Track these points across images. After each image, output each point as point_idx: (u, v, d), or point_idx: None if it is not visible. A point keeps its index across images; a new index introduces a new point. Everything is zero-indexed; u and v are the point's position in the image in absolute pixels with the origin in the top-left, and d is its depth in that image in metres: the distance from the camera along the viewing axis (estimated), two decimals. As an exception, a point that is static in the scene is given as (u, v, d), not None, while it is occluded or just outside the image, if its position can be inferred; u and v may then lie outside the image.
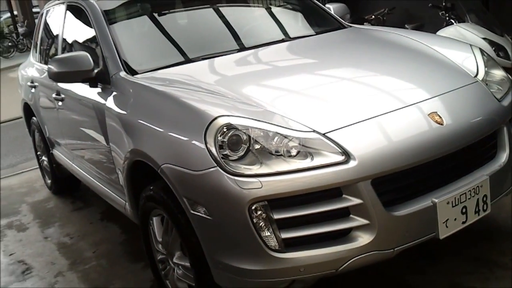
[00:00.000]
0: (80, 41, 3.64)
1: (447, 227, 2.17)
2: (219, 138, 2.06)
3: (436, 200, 2.12)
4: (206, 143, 2.06)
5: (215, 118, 2.10)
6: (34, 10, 22.52)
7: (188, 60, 3.05)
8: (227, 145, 2.05)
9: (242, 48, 3.21)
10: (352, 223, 2.03)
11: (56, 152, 4.46)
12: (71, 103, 3.54)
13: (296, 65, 2.97)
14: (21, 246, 4.03)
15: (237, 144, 2.06)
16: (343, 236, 2.05)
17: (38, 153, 5.22)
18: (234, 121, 2.10)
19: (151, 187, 2.52)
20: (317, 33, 3.48)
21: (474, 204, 2.24)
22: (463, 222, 2.22)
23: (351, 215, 2.03)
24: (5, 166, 6.45)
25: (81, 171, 3.83)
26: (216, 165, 2.03)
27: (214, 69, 2.98)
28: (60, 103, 3.72)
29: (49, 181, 5.08)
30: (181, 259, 2.50)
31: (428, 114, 2.22)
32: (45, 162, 4.98)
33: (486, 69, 2.68)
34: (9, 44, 21.27)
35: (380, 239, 2.04)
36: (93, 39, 3.29)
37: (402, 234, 2.10)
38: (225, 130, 2.07)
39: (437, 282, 2.65)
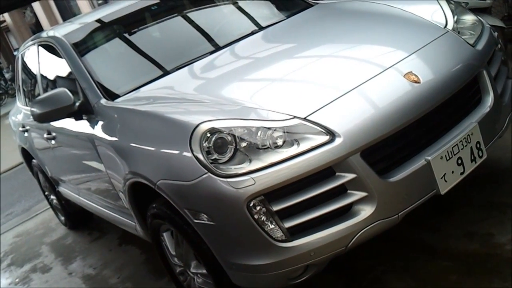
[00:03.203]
0: (58, 76, 3.67)
1: (446, 181, 2.18)
2: (204, 144, 2.08)
3: (429, 158, 2.13)
4: (192, 152, 2.09)
5: (197, 126, 2.12)
6: (16, 53, 22.61)
7: (166, 73, 3.06)
8: (213, 149, 2.07)
9: (217, 48, 3.22)
10: (351, 198, 2.04)
11: (62, 189, 4.51)
12: (63, 139, 3.58)
13: (271, 54, 2.96)
14: (48, 287, 4.09)
15: (223, 146, 2.08)
16: (345, 212, 2.07)
17: (46, 193, 5.28)
18: (216, 124, 2.11)
19: (154, 205, 2.55)
20: (287, 17, 3.48)
21: (469, 153, 2.25)
22: (461, 173, 2.23)
23: (348, 191, 2.05)
24: (20, 212, 6.53)
25: (90, 203, 3.87)
26: (206, 171, 2.05)
27: (192, 76, 2.99)
28: (53, 141, 3.76)
29: (62, 218, 5.14)
30: (198, 268, 2.54)
31: (404, 75, 2.22)
32: (55, 201, 5.03)
33: (455, 17, 2.67)
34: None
35: (382, 207, 2.06)
36: (69, 72, 3.32)
37: (402, 198, 2.12)
38: (208, 135, 2.09)
39: (453, 235, 2.66)
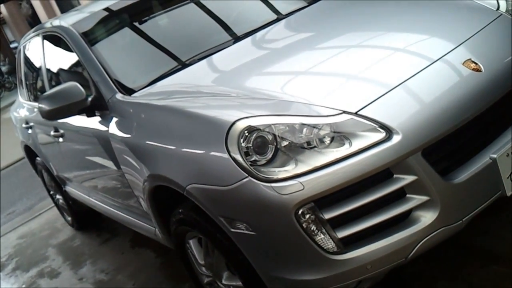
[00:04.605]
0: (65, 69, 3.41)
1: (512, 181, 1.95)
2: (242, 144, 1.84)
3: (495, 156, 1.89)
4: (229, 153, 1.84)
5: (234, 123, 1.88)
6: (12, 45, 22.26)
7: (183, 65, 2.82)
8: (253, 150, 1.83)
9: (236, 38, 2.97)
10: (411, 204, 1.80)
11: (69, 188, 4.27)
12: (73, 137, 3.33)
13: (299, 43, 2.70)
14: (58, 293, 3.86)
15: (263, 146, 1.84)
16: (403, 220, 1.83)
17: (51, 192, 5.03)
18: (253, 122, 1.87)
19: (180, 210, 2.32)
20: (309, 4, 3.22)
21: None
22: (528, 172, 2.00)
23: (407, 195, 1.81)
24: (22, 210, 6.29)
25: (101, 204, 3.63)
26: (246, 175, 1.81)
27: (215, 68, 2.74)
28: (60, 139, 3.51)
29: (69, 218, 4.90)
30: (231, 279, 2.31)
31: (463, 64, 1.98)
32: (61, 201, 4.79)
33: (508, -2, 2.43)
34: (-4, 86, 21.08)
35: (446, 213, 1.82)
36: (78, 65, 3.07)
37: (467, 201, 1.89)
38: (246, 134, 1.84)
39: (505, 238, 2.43)
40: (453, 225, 1.85)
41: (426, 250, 1.85)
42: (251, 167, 1.80)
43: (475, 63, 1.98)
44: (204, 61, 2.76)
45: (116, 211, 3.36)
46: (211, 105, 2.16)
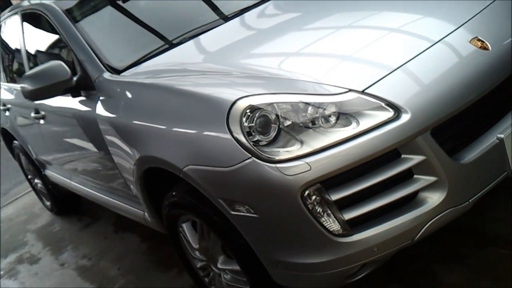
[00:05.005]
0: (47, 49, 3.26)
1: (517, 162, 1.91)
2: (245, 124, 1.76)
3: (502, 135, 1.84)
4: (231, 133, 1.76)
5: (235, 102, 1.79)
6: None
7: (172, 44, 2.70)
8: (256, 129, 1.75)
9: (224, 18, 2.86)
10: (418, 184, 1.75)
11: (49, 172, 4.13)
12: (55, 119, 3.20)
13: (291, 23, 2.59)
14: (39, 280, 3.74)
15: (266, 126, 1.76)
16: (410, 201, 1.78)
17: (29, 177, 4.87)
18: (254, 100, 1.79)
19: (174, 193, 2.23)
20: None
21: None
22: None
23: (415, 176, 1.76)
24: (-3, 196, 6.11)
25: (84, 188, 3.51)
26: (250, 155, 1.73)
27: (204, 48, 2.64)
28: (41, 121, 3.37)
29: (48, 203, 4.76)
30: (227, 263, 2.24)
31: (470, 42, 1.92)
32: (39, 185, 4.64)
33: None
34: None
35: (453, 193, 1.77)
36: (60, 44, 2.94)
37: (474, 182, 1.85)
38: (249, 113, 1.76)
39: (503, 220, 2.42)
40: (460, 206, 1.81)
41: (432, 232, 1.80)
42: (255, 147, 1.73)
43: (481, 41, 1.93)
44: (193, 41, 2.66)
45: (101, 195, 3.25)
46: (206, 83, 2.08)
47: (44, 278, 3.72)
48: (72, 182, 3.70)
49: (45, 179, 4.32)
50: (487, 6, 2.11)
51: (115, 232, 3.98)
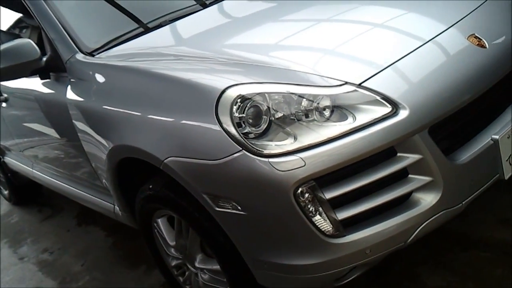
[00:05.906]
0: (11, 29, 3.06)
1: (510, 164, 1.86)
2: (235, 114, 1.64)
3: (497, 137, 1.79)
4: (221, 124, 1.64)
5: (224, 91, 1.67)
6: None
7: (148, 28, 2.54)
8: (246, 121, 1.64)
9: (203, 4, 2.72)
10: (413, 185, 1.68)
11: (9, 159, 3.90)
12: (20, 102, 3.00)
13: (277, 10, 2.49)
14: (-5, 274, 3.53)
15: (257, 117, 1.65)
16: (403, 201, 1.70)
17: (-15, 164, 4.61)
18: (244, 90, 1.68)
19: (150, 186, 2.09)
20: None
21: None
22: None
23: (409, 175, 1.68)
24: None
25: (47, 177, 3.31)
26: (240, 148, 1.61)
27: (183, 33, 2.49)
28: (4, 104, 3.16)
29: (6, 192, 4.52)
30: (206, 263, 2.12)
31: (467, 38, 1.86)
32: (-3, 173, 4.40)
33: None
34: None
35: (448, 195, 1.71)
36: (27, 23, 2.74)
37: (468, 183, 1.79)
38: (239, 103, 1.65)
39: (485, 222, 2.40)
40: (453, 208, 1.75)
41: (425, 234, 1.74)
42: (245, 140, 1.62)
43: (478, 38, 1.87)
44: (169, 26, 2.51)
45: (67, 186, 3.07)
46: (196, 68, 1.94)
47: (1, 272, 3.51)
48: (35, 171, 3.50)
49: (4, 167, 4.09)
50: (483, 3, 2.06)
51: (78, 225, 3.79)
